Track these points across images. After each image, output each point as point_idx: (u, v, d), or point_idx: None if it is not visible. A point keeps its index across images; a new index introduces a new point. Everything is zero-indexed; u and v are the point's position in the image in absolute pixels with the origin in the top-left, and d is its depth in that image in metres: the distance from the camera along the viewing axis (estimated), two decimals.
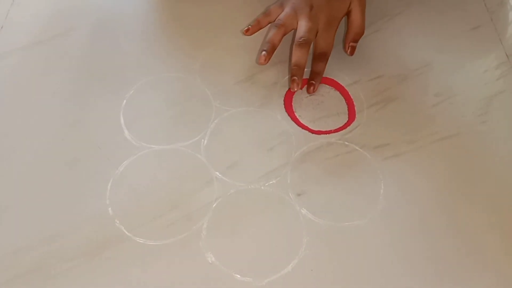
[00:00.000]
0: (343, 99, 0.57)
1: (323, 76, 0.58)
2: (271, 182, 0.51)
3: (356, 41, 0.58)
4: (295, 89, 0.54)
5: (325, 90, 0.58)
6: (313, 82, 0.56)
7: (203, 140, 0.53)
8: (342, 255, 0.47)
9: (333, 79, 0.58)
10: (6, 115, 0.55)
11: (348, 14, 0.58)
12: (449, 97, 0.57)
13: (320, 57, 0.56)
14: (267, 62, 0.55)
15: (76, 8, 0.65)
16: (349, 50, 0.58)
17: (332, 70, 0.59)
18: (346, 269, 0.46)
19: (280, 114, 0.56)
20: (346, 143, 0.53)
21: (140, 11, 0.65)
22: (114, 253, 0.46)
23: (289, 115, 0.55)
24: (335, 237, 0.47)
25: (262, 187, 0.50)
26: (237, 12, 0.62)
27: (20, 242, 0.47)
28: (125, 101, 0.56)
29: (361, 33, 0.58)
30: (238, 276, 0.45)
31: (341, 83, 0.58)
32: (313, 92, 0.55)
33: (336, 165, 0.52)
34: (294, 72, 0.54)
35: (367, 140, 0.53)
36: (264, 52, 0.55)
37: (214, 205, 0.49)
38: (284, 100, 0.56)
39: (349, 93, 0.57)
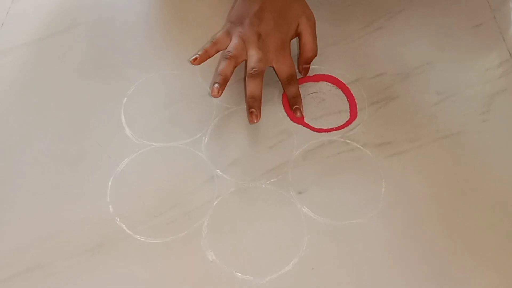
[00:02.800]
0: (345, 97, 0.57)
1: (325, 74, 0.58)
2: (272, 180, 0.51)
3: (308, 63, 0.58)
4: (255, 121, 0.52)
5: (326, 88, 0.57)
6: (297, 106, 0.54)
7: (204, 137, 0.53)
8: (343, 253, 0.46)
9: (334, 77, 0.58)
10: (6, 113, 0.55)
11: (299, 36, 0.57)
12: (451, 95, 0.57)
13: (289, 81, 0.55)
14: (220, 95, 0.52)
15: (77, 5, 0.65)
16: (302, 72, 0.58)
17: (333, 68, 0.59)
18: (347, 267, 0.46)
19: (281, 112, 0.55)
20: (348, 141, 0.53)
21: (141, 8, 0.65)
22: (115, 251, 0.46)
23: (288, 114, 0.55)
24: (336, 235, 0.47)
25: (263, 185, 0.50)
26: None
27: (20, 240, 0.47)
28: (126, 98, 0.56)
29: (312, 56, 0.58)
30: (239, 274, 0.45)
31: (342, 81, 0.58)
32: (302, 113, 0.54)
33: (337, 163, 0.52)
34: (251, 104, 0.52)
35: (369, 138, 0.53)
36: (216, 85, 0.52)
37: (215, 203, 0.49)
38: (282, 98, 0.56)
39: (351, 91, 0.57)
